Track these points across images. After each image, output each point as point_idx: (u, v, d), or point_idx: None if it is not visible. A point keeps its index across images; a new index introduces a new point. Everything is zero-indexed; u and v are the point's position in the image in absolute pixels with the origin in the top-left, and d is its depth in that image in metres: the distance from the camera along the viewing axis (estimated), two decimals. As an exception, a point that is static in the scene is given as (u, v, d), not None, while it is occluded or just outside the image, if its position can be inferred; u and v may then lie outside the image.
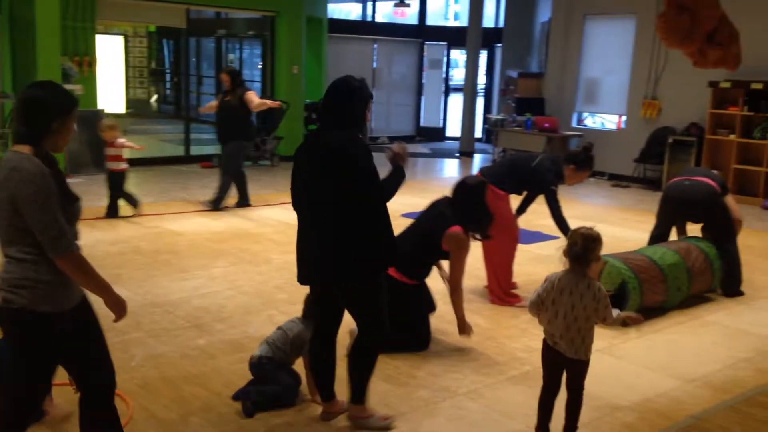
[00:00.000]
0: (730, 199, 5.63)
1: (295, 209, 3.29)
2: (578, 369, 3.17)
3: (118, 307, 2.61)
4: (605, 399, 3.73)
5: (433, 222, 4.24)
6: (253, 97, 7.99)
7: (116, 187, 7.51)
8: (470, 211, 4.24)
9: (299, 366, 3.62)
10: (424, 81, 16.08)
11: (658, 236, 5.73)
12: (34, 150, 2.43)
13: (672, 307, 5.16)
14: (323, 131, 3.21)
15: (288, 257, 6.21)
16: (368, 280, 3.17)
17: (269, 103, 8.49)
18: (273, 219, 7.75)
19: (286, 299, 5.14)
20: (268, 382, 3.52)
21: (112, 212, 7.48)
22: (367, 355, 3.29)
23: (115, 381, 2.74)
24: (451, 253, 4.12)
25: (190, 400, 3.58)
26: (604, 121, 12.33)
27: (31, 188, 2.34)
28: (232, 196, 8.17)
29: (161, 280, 5.46)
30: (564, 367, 3.17)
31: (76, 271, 2.46)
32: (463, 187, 4.35)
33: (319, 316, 3.40)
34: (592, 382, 3.86)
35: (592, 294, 3.08)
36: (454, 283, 4.15)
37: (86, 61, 10.01)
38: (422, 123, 16.09)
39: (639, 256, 5.08)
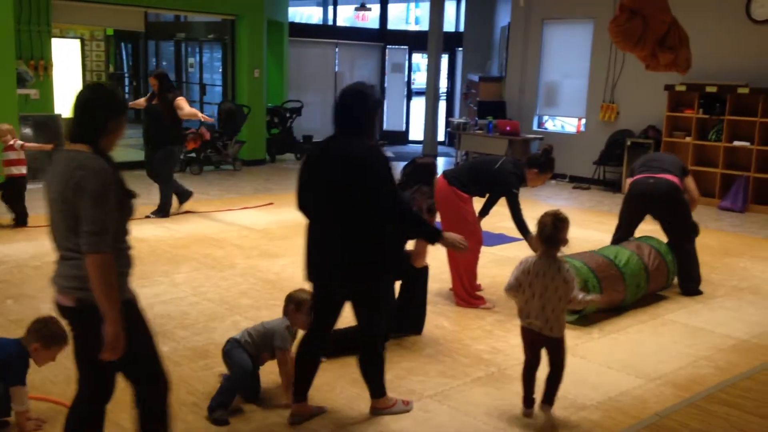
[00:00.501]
0: (689, 181, 5.79)
1: (304, 212, 3.34)
2: (556, 345, 3.46)
3: (117, 340, 2.48)
4: (570, 399, 3.77)
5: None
6: (183, 104, 7.73)
7: (19, 195, 7.07)
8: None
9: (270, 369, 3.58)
10: (386, 85, 16.12)
11: (622, 238, 5.83)
12: (92, 149, 2.51)
13: (632, 306, 5.25)
14: (337, 138, 3.26)
15: (252, 262, 6.18)
16: (380, 281, 3.33)
17: (201, 116, 8.30)
18: (236, 224, 7.68)
19: (251, 305, 5.09)
20: (226, 360, 3.55)
21: (22, 220, 7.09)
22: (374, 354, 3.41)
23: (158, 378, 2.83)
24: None
25: (154, 409, 3.51)
26: (564, 124, 12.51)
27: (95, 183, 2.42)
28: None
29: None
30: (542, 344, 3.48)
31: (99, 273, 2.41)
32: (414, 165, 4.41)
33: (318, 316, 3.45)
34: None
35: (563, 277, 3.37)
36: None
37: (42, 65, 9.80)
38: (385, 126, 16.13)
39: (597, 256, 5.16)
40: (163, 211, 7.80)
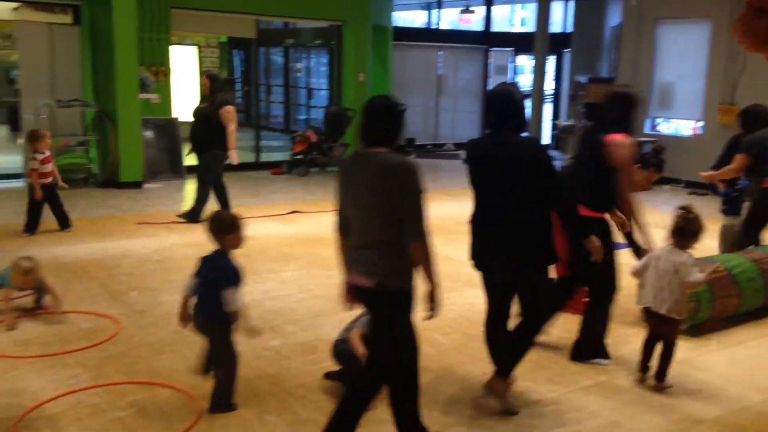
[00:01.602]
0: None
1: (480, 205, 3.50)
2: (671, 326, 3.80)
3: (435, 304, 2.88)
4: (685, 412, 3.61)
5: (586, 146, 4.15)
6: (230, 120, 7.31)
7: (58, 200, 6.99)
8: (624, 115, 4.04)
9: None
10: (489, 87, 15.98)
11: (752, 242, 5.55)
12: (392, 151, 2.85)
13: (752, 317, 4.96)
14: (501, 133, 3.43)
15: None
16: (546, 268, 3.53)
17: (234, 137, 7.45)
18: (341, 224, 7.81)
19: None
20: (342, 359, 3.65)
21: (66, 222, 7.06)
22: (526, 336, 3.53)
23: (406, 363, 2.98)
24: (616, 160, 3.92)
25: (265, 399, 3.64)
26: (680, 126, 11.97)
27: (415, 182, 2.76)
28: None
29: (234, 283, 5.57)
30: (660, 323, 3.81)
31: (425, 255, 2.80)
32: (614, 95, 4.17)
33: (492, 301, 3.62)
34: (672, 395, 3.77)
35: (683, 260, 3.72)
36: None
37: (162, 71, 10.36)
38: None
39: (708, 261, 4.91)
40: (194, 215, 7.52)
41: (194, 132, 7.58)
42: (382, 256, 2.82)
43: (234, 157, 7.53)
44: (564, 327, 4.56)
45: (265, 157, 12.13)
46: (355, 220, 2.91)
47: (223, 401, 3.45)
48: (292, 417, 3.47)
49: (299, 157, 11.34)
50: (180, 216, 7.61)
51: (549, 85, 14.88)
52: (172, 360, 4.10)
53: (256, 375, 3.93)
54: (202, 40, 17.81)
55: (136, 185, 9.52)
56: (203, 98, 7.64)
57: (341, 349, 3.68)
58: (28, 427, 3.28)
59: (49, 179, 6.87)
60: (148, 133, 9.91)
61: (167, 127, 10.39)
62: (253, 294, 5.32)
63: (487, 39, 15.95)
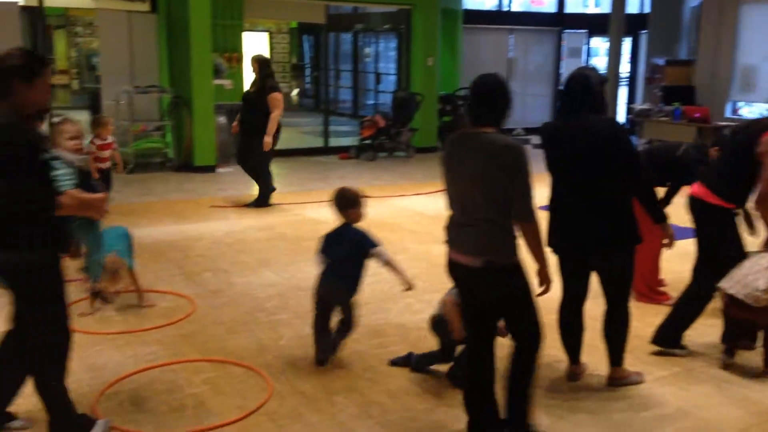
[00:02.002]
0: None
1: (558, 189, 3.50)
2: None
3: (546, 280, 2.97)
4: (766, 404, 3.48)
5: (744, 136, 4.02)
6: (276, 103, 7.33)
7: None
8: None
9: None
10: (562, 71, 15.62)
11: None
12: (498, 131, 2.88)
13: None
14: (579, 115, 3.42)
15: (424, 247, 6.27)
16: (630, 249, 3.50)
17: (274, 123, 7.42)
18: (408, 209, 7.83)
19: (424, 288, 5.17)
20: (443, 336, 3.68)
21: None
22: (620, 321, 3.58)
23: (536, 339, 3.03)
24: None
25: (334, 380, 3.70)
26: (763, 111, 11.44)
27: (525, 163, 2.79)
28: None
29: (304, 266, 5.67)
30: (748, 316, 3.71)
31: (534, 236, 2.85)
32: None
33: (569, 286, 3.63)
34: (755, 389, 3.64)
35: None
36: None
37: (235, 57, 10.56)
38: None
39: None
40: (262, 201, 7.66)
41: (243, 117, 7.63)
42: (489, 234, 2.85)
43: (267, 143, 7.45)
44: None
45: (334, 142, 12.23)
46: (460, 198, 2.93)
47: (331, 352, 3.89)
48: (360, 398, 3.52)
49: (367, 142, 11.39)
50: (248, 206, 7.70)
51: (624, 68, 14.42)
52: (244, 339, 4.21)
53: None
54: (273, 26, 18.07)
55: (210, 169, 9.77)
56: (252, 83, 7.67)
57: (438, 320, 3.72)
58: (109, 400, 3.44)
59: (106, 164, 6.93)
60: (221, 119, 10.14)
61: (238, 112, 10.59)
62: (322, 277, 5.40)
63: (561, 21, 15.57)
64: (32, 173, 2.75)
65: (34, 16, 9.62)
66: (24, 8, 9.46)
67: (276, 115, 7.40)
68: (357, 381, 3.70)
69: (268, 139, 7.46)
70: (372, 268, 5.60)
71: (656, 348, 4.06)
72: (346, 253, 3.79)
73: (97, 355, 3.94)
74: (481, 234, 2.85)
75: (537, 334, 3.02)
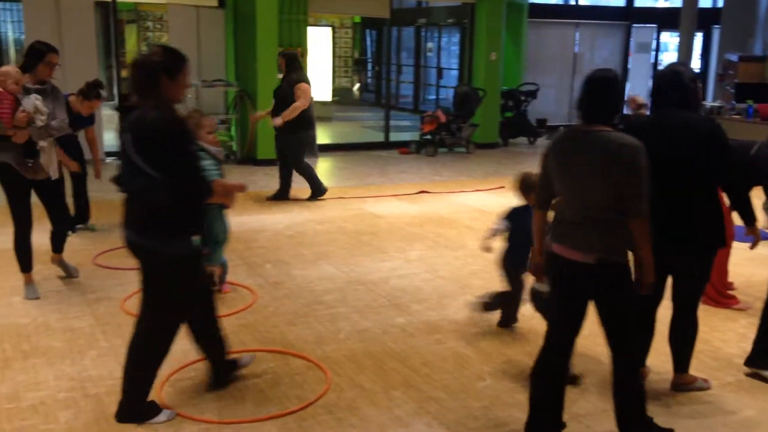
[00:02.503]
0: None
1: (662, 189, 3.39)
2: None
3: (649, 278, 2.92)
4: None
5: None
6: (301, 93, 7.33)
7: None
8: None
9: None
10: (629, 66, 15.24)
11: None
12: (612, 129, 2.87)
13: None
14: (669, 111, 3.37)
15: (484, 244, 6.22)
16: (714, 251, 3.46)
17: (295, 111, 7.37)
18: (467, 205, 7.79)
19: (482, 285, 5.15)
20: (536, 301, 3.90)
21: None
22: (689, 326, 3.53)
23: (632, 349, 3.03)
24: None
25: (391, 375, 3.72)
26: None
27: (643, 161, 2.78)
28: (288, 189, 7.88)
29: (363, 260, 5.72)
30: None
31: (645, 233, 2.84)
32: None
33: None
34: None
35: None
36: None
37: (299, 51, 10.66)
38: (626, 110, 15.26)
39: None
40: (316, 192, 7.76)
41: (275, 113, 7.60)
42: (603, 231, 2.84)
43: (278, 123, 7.45)
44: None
45: (394, 136, 12.25)
46: (573, 196, 2.92)
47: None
48: (417, 394, 3.53)
49: (428, 137, 11.36)
50: (307, 199, 7.78)
51: (695, 64, 13.98)
52: (302, 331, 4.28)
53: (383, 350, 4.02)
54: (337, 21, 18.19)
55: (272, 162, 9.90)
56: (281, 78, 7.69)
57: (535, 291, 3.87)
58: (172, 386, 3.54)
59: None
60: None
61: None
62: (380, 272, 5.44)
63: (629, 15, 15.19)
64: (189, 163, 2.97)
65: (107, 11, 9.95)
66: (98, 3, 9.80)
67: (299, 106, 7.37)
68: (414, 377, 3.71)
69: (278, 121, 7.43)
70: (433, 266, 5.63)
71: (747, 369, 3.83)
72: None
73: (163, 341, 4.06)
74: (595, 231, 2.85)
75: (635, 333, 3.02)
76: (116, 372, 3.63)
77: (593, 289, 2.94)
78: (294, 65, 7.56)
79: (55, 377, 3.59)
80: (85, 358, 3.83)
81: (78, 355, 3.86)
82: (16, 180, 4.45)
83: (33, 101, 4.32)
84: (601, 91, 2.88)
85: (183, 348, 3.95)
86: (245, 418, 3.26)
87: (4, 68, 4.45)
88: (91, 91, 5.77)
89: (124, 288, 4.87)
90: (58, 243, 4.98)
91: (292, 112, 7.39)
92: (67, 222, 5.25)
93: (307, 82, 7.57)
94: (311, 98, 7.59)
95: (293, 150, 7.69)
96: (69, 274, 5.07)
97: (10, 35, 15.76)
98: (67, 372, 3.65)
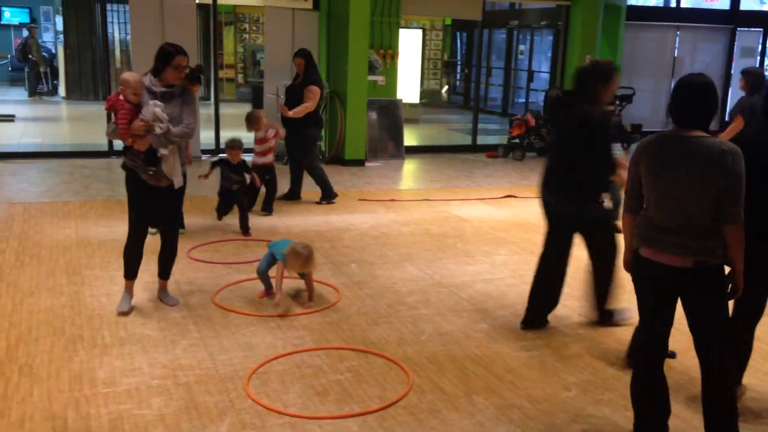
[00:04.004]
0: None
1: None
2: None
3: (740, 284, 2.91)
4: None
5: None
6: (311, 95, 7.25)
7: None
8: None
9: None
10: (732, 71, 14.53)
11: None
12: (706, 134, 2.85)
13: None
14: None
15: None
16: None
17: (303, 112, 7.29)
18: (557, 212, 7.61)
19: (567, 293, 5.02)
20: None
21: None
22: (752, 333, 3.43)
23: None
24: None
25: (473, 379, 3.69)
26: None
27: (742, 168, 2.77)
28: (312, 191, 7.76)
29: (447, 263, 5.69)
30: None
31: (740, 239, 2.83)
32: None
33: (742, 301, 3.42)
34: None
35: None
36: None
37: (390, 53, 10.76)
38: (727, 117, 14.58)
39: None
40: (328, 195, 7.62)
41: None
42: (701, 236, 2.83)
43: (284, 109, 7.37)
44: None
45: (481, 140, 12.15)
46: (669, 202, 2.88)
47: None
48: (499, 400, 3.48)
49: (516, 141, 11.20)
50: (319, 203, 7.62)
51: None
52: (385, 332, 4.30)
53: (466, 354, 3.99)
54: (428, 23, 18.22)
55: (359, 163, 10.04)
56: (296, 76, 7.62)
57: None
58: (259, 379, 3.63)
59: (266, 158, 7.11)
60: (372, 114, 10.37)
61: (391, 108, 10.79)
62: (465, 275, 5.40)
63: (734, 18, 14.48)
64: (611, 147, 4.09)
65: (208, 12, 10.31)
66: (199, 5, 10.17)
67: (308, 106, 7.28)
68: (497, 383, 3.66)
69: (288, 113, 7.29)
70: (518, 272, 5.54)
71: None
72: None
73: (251, 335, 4.18)
74: (691, 235, 2.83)
75: (727, 340, 2.97)
76: (205, 362, 3.77)
77: (686, 292, 2.91)
78: (312, 65, 7.50)
79: (149, 364, 3.75)
80: (177, 347, 3.98)
81: (171, 344, 4.02)
82: (139, 186, 4.36)
83: (152, 109, 4.20)
84: (698, 96, 2.83)
85: (268, 342, 4.06)
86: (328, 414, 3.30)
87: (125, 76, 4.34)
88: (195, 75, 5.75)
89: (216, 281, 5.03)
90: (165, 266, 4.64)
91: (300, 111, 7.29)
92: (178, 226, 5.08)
93: (320, 85, 7.48)
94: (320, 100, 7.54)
95: (303, 149, 7.56)
96: (167, 303, 4.65)
97: (117, 36, 16.62)
98: (160, 360, 3.81)
